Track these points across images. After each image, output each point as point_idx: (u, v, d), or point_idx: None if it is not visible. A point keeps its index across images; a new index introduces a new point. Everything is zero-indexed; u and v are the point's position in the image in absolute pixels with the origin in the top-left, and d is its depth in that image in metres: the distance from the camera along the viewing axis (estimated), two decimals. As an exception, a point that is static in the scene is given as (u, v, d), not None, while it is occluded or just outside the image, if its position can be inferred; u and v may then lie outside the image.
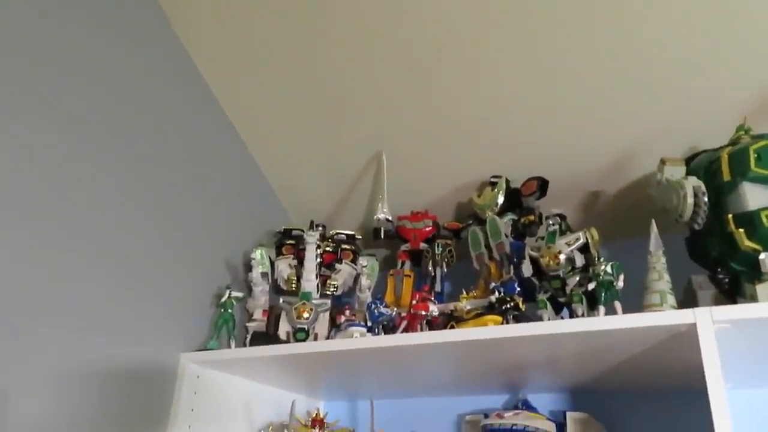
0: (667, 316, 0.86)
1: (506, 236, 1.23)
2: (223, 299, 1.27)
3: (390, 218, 1.40)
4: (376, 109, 1.34)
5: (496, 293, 1.07)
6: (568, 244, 1.07)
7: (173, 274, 1.21)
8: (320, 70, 1.29)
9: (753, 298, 0.88)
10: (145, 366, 1.12)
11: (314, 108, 1.37)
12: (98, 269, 1.04)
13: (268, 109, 1.39)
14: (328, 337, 1.23)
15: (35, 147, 0.95)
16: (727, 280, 0.96)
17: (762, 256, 0.89)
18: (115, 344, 1.06)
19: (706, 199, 0.95)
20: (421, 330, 1.12)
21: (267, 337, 1.29)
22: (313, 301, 1.23)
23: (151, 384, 1.13)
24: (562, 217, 1.15)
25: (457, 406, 1.41)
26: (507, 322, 1.02)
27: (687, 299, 1.01)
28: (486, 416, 1.27)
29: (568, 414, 1.23)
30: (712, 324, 0.81)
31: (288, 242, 1.39)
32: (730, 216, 0.93)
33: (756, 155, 0.92)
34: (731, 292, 0.96)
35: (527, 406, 1.27)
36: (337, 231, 1.42)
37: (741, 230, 0.91)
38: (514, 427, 1.18)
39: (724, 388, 0.78)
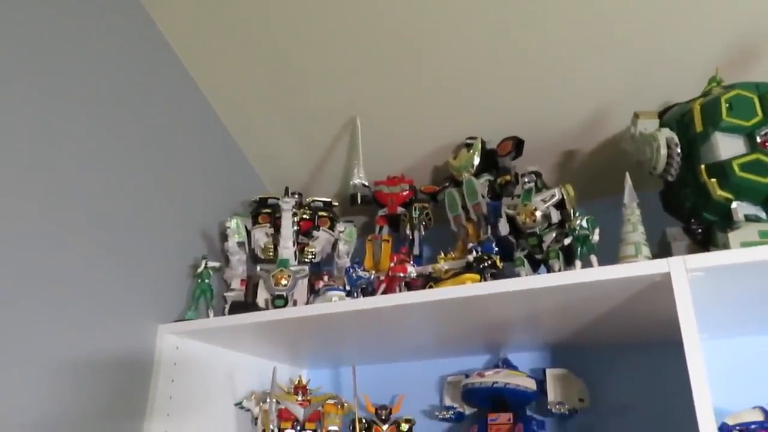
0: (642, 267, 0.86)
1: (483, 197, 1.23)
2: (200, 270, 1.25)
3: (366, 183, 1.39)
4: (348, 74, 1.32)
5: (474, 253, 1.07)
6: (544, 201, 1.07)
7: (148, 245, 1.19)
8: (290, 35, 1.26)
9: (726, 247, 0.88)
10: (122, 339, 1.11)
11: (286, 74, 1.34)
12: (71, 242, 1.02)
13: (238, 76, 1.36)
14: (307, 303, 1.22)
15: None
16: (700, 230, 0.97)
17: (734, 205, 0.90)
18: (90, 318, 1.04)
19: (678, 150, 0.95)
20: (400, 291, 1.12)
21: (246, 306, 1.28)
22: (291, 268, 1.22)
23: (130, 357, 1.12)
24: (538, 174, 1.15)
25: (438, 369, 1.43)
26: (485, 280, 1.02)
27: (662, 252, 1.02)
28: (467, 376, 1.28)
29: (548, 371, 1.25)
30: (686, 272, 0.82)
31: (264, 211, 1.38)
32: (702, 166, 0.93)
33: (728, 105, 0.92)
34: (705, 243, 0.97)
35: (508, 365, 1.29)
36: (314, 198, 1.40)
37: (713, 180, 0.91)
38: (495, 385, 1.20)
39: (698, 337, 0.79)
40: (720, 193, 0.91)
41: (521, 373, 1.24)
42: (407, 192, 1.40)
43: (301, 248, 1.31)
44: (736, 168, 0.89)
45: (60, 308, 0.99)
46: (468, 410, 1.32)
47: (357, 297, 1.15)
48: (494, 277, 1.04)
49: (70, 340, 1.00)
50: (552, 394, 1.22)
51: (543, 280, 0.92)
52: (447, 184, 1.33)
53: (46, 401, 0.94)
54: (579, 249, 0.98)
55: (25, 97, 0.98)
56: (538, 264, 1.10)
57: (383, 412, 1.30)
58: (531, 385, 1.22)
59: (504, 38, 1.19)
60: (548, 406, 1.20)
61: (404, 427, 1.30)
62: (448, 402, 1.36)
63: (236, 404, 1.30)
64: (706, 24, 1.10)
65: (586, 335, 1.20)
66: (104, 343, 1.06)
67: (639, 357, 1.25)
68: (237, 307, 1.28)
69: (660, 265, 0.84)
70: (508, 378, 1.21)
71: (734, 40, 1.11)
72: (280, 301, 1.18)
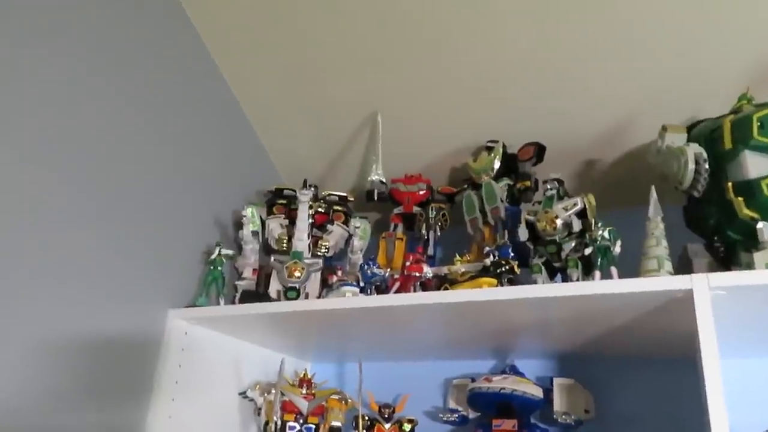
0: (664, 281, 0.85)
1: (502, 201, 1.22)
2: (213, 256, 1.25)
3: (384, 180, 1.38)
4: (370, 69, 1.31)
5: (491, 257, 1.06)
6: (566, 209, 1.06)
7: (163, 230, 1.18)
8: (315, 27, 1.25)
9: (749, 266, 0.88)
10: (132, 322, 1.10)
11: (308, 67, 1.34)
12: (88, 222, 1.02)
13: (262, 67, 1.36)
14: (319, 297, 1.21)
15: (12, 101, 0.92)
16: (722, 248, 0.96)
17: (760, 224, 0.89)
18: (101, 298, 1.04)
19: (707, 166, 0.95)
20: (414, 291, 1.11)
21: (257, 295, 1.27)
22: (305, 261, 1.22)
23: (139, 339, 1.11)
24: (560, 182, 1.14)
25: (444, 371, 1.42)
26: (502, 285, 1.01)
27: (682, 268, 1.01)
28: (473, 380, 1.27)
29: (555, 380, 1.24)
30: (709, 290, 0.81)
31: (279, 202, 1.37)
32: (729, 184, 0.92)
33: (759, 123, 0.92)
34: (726, 261, 0.96)
35: (515, 371, 1.28)
36: (330, 192, 1.39)
37: (740, 198, 0.90)
38: (502, 391, 1.19)
39: (718, 355, 0.78)
40: (746, 212, 0.90)
41: (528, 381, 1.23)
42: (424, 191, 1.39)
43: (314, 241, 1.30)
44: (764, 188, 0.89)
45: (72, 287, 0.98)
46: (472, 414, 1.31)
47: (370, 294, 1.14)
48: (511, 282, 1.04)
49: (81, 319, 1.00)
50: (558, 404, 1.21)
51: (562, 289, 0.92)
52: (465, 186, 1.33)
53: (51, 379, 0.94)
54: (599, 260, 0.97)
55: (47, 77, 0.97)
56: (555, 272, 1.09)
57: (386, 410, 1.29)
58: (538, 393, 1.21)
59: (532, 43, 1.18)
60: (554, 416, 1.19)
61: (407, 427, 1.29)
62: (452, 405, 1.35)
63: (240, 393, 1.30)
64: (737, 41, 1.09)
65: (596, 346, 1.19)
66: (114, 324, 1.06)
67: (648, 371, 1.24)
68: (248, 296, 1.27)
69: (683, 282, 0.83)
70: (516, 384, 1.20)
71: (764, 59, 1.10)
72: (292, 293, 1.18)
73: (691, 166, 0.95)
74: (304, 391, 1.27)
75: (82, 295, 1.00)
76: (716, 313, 0.81)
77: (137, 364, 1.11)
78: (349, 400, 1.31)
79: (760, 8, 1.04)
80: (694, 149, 0.96)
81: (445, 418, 1.31)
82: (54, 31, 0.99)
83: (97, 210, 1.04)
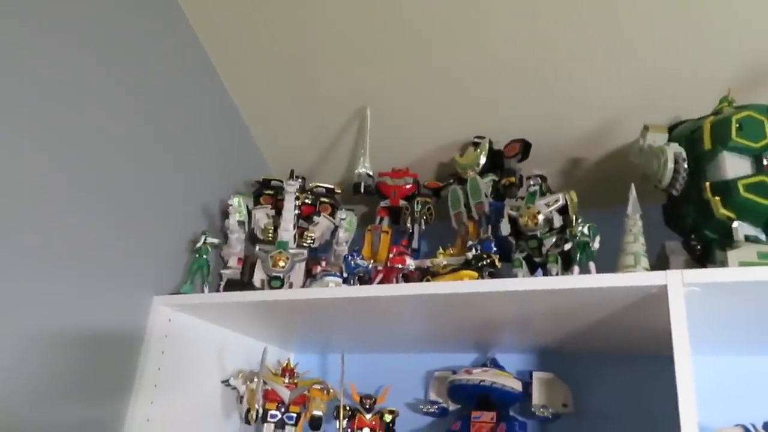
0: (640, 277, 0.87)
1: (486, 196, 1.23)
2: (199, 245, 1.26)
3: (371, 173, 1.39)
4: (360, 63, 1.32)
5: (473, 250, 1.08)
6: (548, 205, 1.08)
7: (149, 217, 1.19)
8: (307, 20, 1.26)
9: (723, 265, 0.89)
10: (117, 308, 1.11)
11: (299, 59, 1.34)
12: (75, 208, 1.03)
13: (254, 57, 1.37)
14: (303, 287, 1.22)
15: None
16: (699, 246, 0.98)
17: (735, 224, 0.90)
18: (86, 284, 1.04)
19: (686, 165, 0.96)
20: (397, 283, 1.12)
21: (241, 284, 1.27)
22: (290, 251, 1.23)
23: (123, 325, 1.12)
24: (543, 178, 1.15)
25: (426, 363, 1.44)
26: (482, 278, 1.02)
27: (659, 265, 1.03)
28: (454, 372, 1.29)
29: (534, 373, 1.26)
30: (683, 286, 0.83)
31: (266, 192, 1.38)
32: (707, 184, 0.94)
33: (738, 125, 0.93)
34: (703, 259, 0.98)
35: (495, 365, 1.29)
36: (317, 184, 1.40)
37: (717, 198, 0.92)
38: (482, 383, 1.21)
39: (690, 352, 0.80)
40: (722, 212, 0.91)
41: (508, 374, 1.25)
42: (410, 185, 1.40)
43: (300, 232, 1.31)
44: (740, 188, 0.90)
45: (56, 273, 0.99)
46: (452, 406, 1.32)
47: (354, 284, 1.15)
48: (492, 275, 1.05)
49: (65, 306, 1.00)
50: (537, 397, 1.23)
51: (541, 282, 0.93)
52: (451, 180, 1.34)
53: (34, 368, 0.94)
54: (578, 255, 0.99)
55: (35, 70, 0.97)
56: (535, 267, 1.11)
57: (368, 401, 1.30)
58: (517, 386, 1.22)
59: (520, 43, 1.19)
60: (532, 409, 1.21)
61: (387, 417, 1.30)
62: (432, 396, 1.37)
63: (223, 381, 1.31)
64: (720, 44, 1.11)
65: (575, 341, 1.21)
66: (98, 310, 1.07)
67: (626, 367, 1.26)
68: (232, 285, 1.28)
69: (657, 277, 0.85)
70: (495, 377, 1.21)
71: (747, 62, 1.12)
72: (276, 282, 1.19)
73: (671, 165, 0.96)
74: (286, 381, 1.28)
75: (67, 282, 1.01)
76: (690, 309, 0.82)
77: (121, 350, 1.12)
78: (331, 390, 1.32)
79: (743, 12, 1.06)
80: (674, 149, 0.97)
81: (425, 410, 1.32)
82: (44, 23, 0.99)
83: (83, 197, 1.04)
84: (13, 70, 0.93)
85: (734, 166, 0.93)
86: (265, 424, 1.24)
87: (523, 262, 1.09)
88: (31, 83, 0.96)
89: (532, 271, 1.11)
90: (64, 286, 1.00)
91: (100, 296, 1.07)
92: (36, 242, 0.95)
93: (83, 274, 1.04)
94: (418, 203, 1.37)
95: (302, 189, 1.37)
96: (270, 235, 1.30)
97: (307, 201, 1.36)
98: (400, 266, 1.12)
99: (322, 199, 1.39)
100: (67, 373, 1.00)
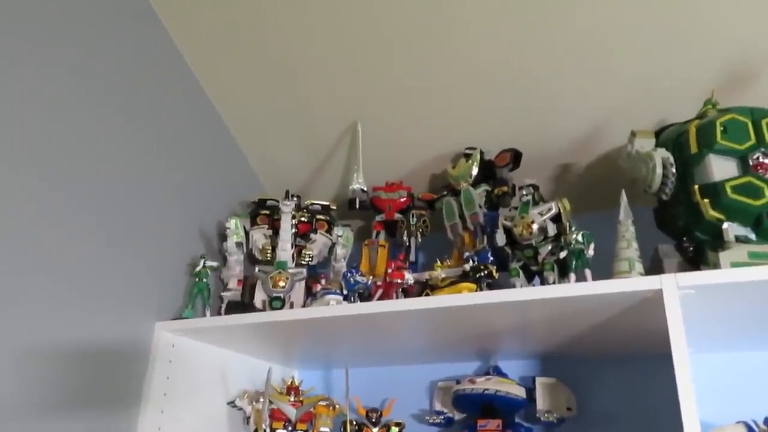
0: (635, 283, 0.89)
1: (480, 207, 1.25)
2: (198, 268, 1.26)
3: (365, 189, 1.41)
4: (350, 79, 1.33)
5: (470, 262, 1.09)
6: (541, 214, 1.10)
7: (147, 243, 1.20)
8: (295, 38, 1.27)
9: (716, 266, 0.92)
10: (120, 335, 1.11)
11: (289, 77, 1.36)
12: (73, 237, 1.03)
13: (242, 78, 1.38)
14: (303, 306, 1.23)
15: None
16: (691, 248, 1.00)
17: (725, 225, 0.92)
18: (88, 312, 1.05)
19: (674, 170, 0.98)
20: (397, 298, 1.14)
21: (242, 306, 1.29)
22: (289, 270, 1.24)
23: (126, 352, 1.12)
24: (535, 187, 1.17)
25: (429, 374, 1.44)
26: (481, 290, 1.04)
27: (653, 267, 1.05)
28: (458, 382, 1.30)
29: (538, 379, 1.27)
30: (677, 290, 0.84)
31: (263, 212, 1.39)
32: (696, 187, 0.96)
33: (722, 128, 0.96)
34: (696, 261, 1.00)
35: (498, 372, 1.31)
36: (312, 201, 1.42)
37: (706, 200, 0.94)
38: (486, 392, 1.22)
39: (687, 351, 0.81)
40: (712, 213, 0.93)
41: (511, 381, 1.26)
42: (405, 199, 1.41)
43: (298, 251, 1.32)
44: (728, 190, 0.92)
45: (58, 301, 0.99)
46: (457, 415, 1.34)
47: (354, 301, 1.17)
48: (490, 286, 1.06)
49: (67, 334, 1.01)
50: (541, 403, 1.24)
51: (539, 292, 0.95)
52: (445, 192, 1.35)
53: (37, 392, 0.95)
54: (574, 263, 1.00)
55: (27, 91, 0.98)
56: (532, 275, 1.12)
57: (374, 414, 1.32)
58: (520, 392, 1.24)
59: (506, 52, 1.21)
60: (537, 414, 1.22)
61: (394, 430, 1.32)
62: (438, 407, 1.38)
63: (229, 403, 1.32)
64: (703, 47, 1.13)
65: (575, 346, 1.22)
66: (101, 338, 1.07)
67: (626, 369, 1.27)
68: (233, 307, 1.29)
69: (652, 282, 0.86)
70: (499, 385, 1.23)
71: (730, 65, 1.14)
72: (277, 302, 1.20)
73: (659, 170, 0.98)
74: (291, 399, 1.29)
75: (70, 309, 1.01)
76: (686, 310, 0.84)
77: (126, 377, 1.12)
78: (337, 406, 1.33)
79: (724, 16, 1.08)
80: (662, 154, 0.99)
81: (431, 420, 1.33)
82: (41, 49, 1.00)
83: (83, 223, 1.05)
84: (15, 99, 0.94)
85: (721, 168, 0.95)
86: (273, 444, 1.25)
87: (520, 271, 1.11)
88: (31, 109, 0.97)
89: (530, 279, 1.13)
90: (64, 319, 1.00)
91: (103, 326, 1.08)
92: (39, 270, 0.96)
93: (87, 304, 1.04)
94: (413, 216, 1.38)
95: (298, 207, 1.38)
96: (268, 255, 1.30)
97: (303, 219, 1.38)
98: (399, 281, 1.14)
99: (318, 217, 1.40)
100: (75, 401, 1.00)
